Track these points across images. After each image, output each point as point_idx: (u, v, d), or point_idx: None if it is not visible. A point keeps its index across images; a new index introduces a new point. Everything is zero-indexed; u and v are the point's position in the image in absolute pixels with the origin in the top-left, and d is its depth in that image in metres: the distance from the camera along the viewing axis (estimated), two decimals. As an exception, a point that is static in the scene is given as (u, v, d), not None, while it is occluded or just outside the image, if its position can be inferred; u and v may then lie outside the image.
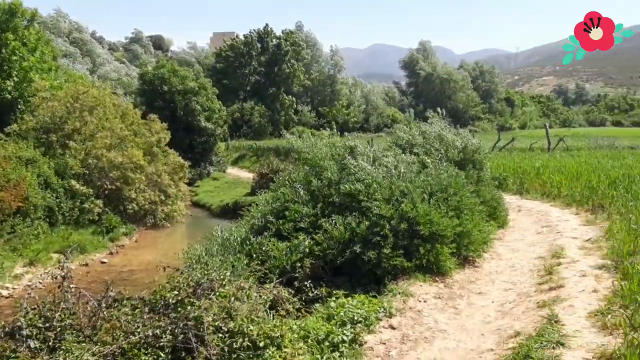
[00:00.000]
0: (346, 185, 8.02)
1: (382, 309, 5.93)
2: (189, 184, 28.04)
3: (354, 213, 7.59)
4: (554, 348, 4.62)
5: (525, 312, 5.89)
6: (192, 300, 5.41)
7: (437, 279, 7.34)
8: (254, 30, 70.59)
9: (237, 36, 75.01)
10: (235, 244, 7.79)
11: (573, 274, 6.80)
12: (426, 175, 8.93)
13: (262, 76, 68.58)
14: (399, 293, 6.47)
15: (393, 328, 5.62)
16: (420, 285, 6.91)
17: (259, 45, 69.84)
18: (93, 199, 18.36)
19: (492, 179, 13.60)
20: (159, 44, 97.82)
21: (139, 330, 5.03)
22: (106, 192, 19.45)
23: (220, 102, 39.33)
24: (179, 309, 5.34)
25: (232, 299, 5.49)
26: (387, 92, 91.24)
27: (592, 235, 8.92)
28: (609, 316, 5.08)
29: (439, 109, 13.36)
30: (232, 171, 38.72)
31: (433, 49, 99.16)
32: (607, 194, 11.53)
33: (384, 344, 5.30)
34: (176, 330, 5.03)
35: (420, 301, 6.44)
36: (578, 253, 7.90)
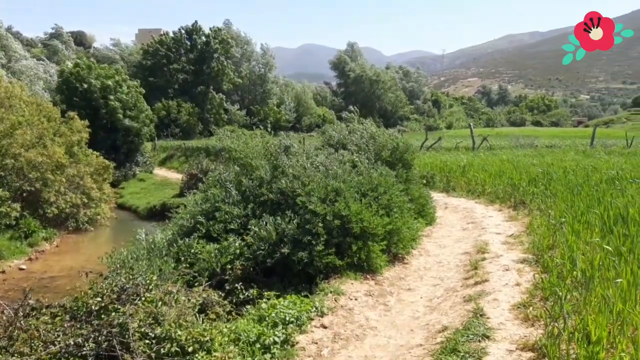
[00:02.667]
0: (282, 181, 7.95)
1: (314, 309, 5.92)
2: (113, 186, 27.04)
3: (286, 212, 7.53)
4: (479, 341, 4.76)
5: (452, 306, 6.04)
6: (116, 306, 5.21)
7: (368, 276, 7.41)
8: (183, 27, 69.07)
9: (165, 33, 73.15)
10: (163, 247, 7.55)
11: (497, 268, 7.05)
12: (358, 175, 9.00)
13: (191, 74, 67.28)
14: (331, 292, 6.48)
15: (325, 327, 5.61)
16: (352, 284, 6.96)
17: (187, 42, 68.47)
18: (10, 202, 17.32)
19: (420, 177, 13.93)
20: (80, 40, 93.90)
21: (59, 339, 4.78)
22: (24, 194, 18.40)
23: (146, 100, 38.20)
24: (103, 315, 5.14)
25: (159, 303, 5.33)
26: (318, 92, 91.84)
27: (515, 231, 9.30)
28: (531, 308, 5.30)
29: (355, 108, 13.56)
30: (160, 172, 37.69)
31: (361, 50, 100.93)
32: (527, 191, 12.06)
33: (316, 343, 5.29)
34: (100, 338, 4.83)
35: (351, 299, 6.48)
36: (501, 248, 8.20)
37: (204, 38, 68.40)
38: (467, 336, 4.86)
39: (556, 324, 4.37)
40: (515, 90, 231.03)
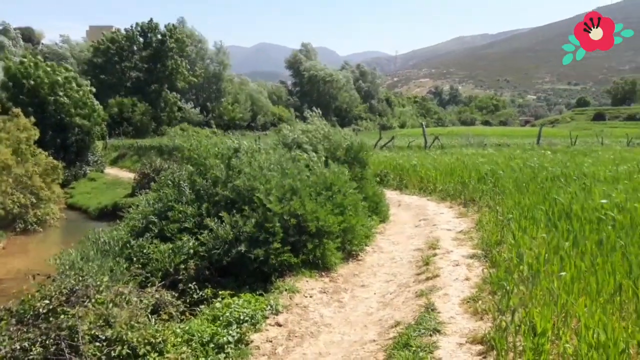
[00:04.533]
0: (239, 180, 7.89)
1: (269, 307, 5.92)
2: (63, 186, 26.22)
3: (243, 208, 7.48)
4: (431, 335, 4.87)
5: (405, 302, 6.15)
6: (65, 308, 5.09)
7: (323, 274, 7.46)
8: (138, 24, 67.49)
9: (117, 30, 71.34)
10: (115, 247, 7.39)
11: (448, 263, 7.21)
12: (312, 174, 9.04)
13: (144, 72, 65.87)
14: (286, 290, 6.50)
15: (280, 325, 5.62)
16: (307, 281, 6.99)
17: (141, 40, 66.99)
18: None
19: (374, 175, 14.09)
20: (28, 36, 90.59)
21: (4, 344, 4.65)
22: (-33, 196, 17.67)
23: (98, 98, 37.21)
24: (51, 318, 5.01)
25: (110, 305, 5.23)
26: (274, 91, 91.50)
27: (464, 227, 9.53)
28: (480, 302, 5.46)
29: (314, 108, 13.57)
30: (112, 171, 36.78)
31: (315, 50, 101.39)
32: (477, 188, 12.37)
33: (271, 341, 5.30)
34: (47, 342, 4.71)
35: (306, 297, 6.51)
36: (452, 244, 8.39)
37: (159, 36, 67.04)
38: (419, 331, 4.97)
39: (504, 317, 4.51)
40: (466, 91, 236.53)
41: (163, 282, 6.60)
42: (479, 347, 4.56)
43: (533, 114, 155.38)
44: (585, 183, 11.10)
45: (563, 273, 5.30)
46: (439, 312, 5.42)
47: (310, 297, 6.55)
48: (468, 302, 5.62)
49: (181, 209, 7.76)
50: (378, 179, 14.98)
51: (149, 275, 6.69)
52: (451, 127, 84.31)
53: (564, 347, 4.04)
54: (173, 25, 69.30)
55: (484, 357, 4.39)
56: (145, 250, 7.13)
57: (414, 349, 4.62)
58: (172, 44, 65.80)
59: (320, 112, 13.98)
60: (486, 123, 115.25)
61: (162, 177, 9.27)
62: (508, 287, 5.18)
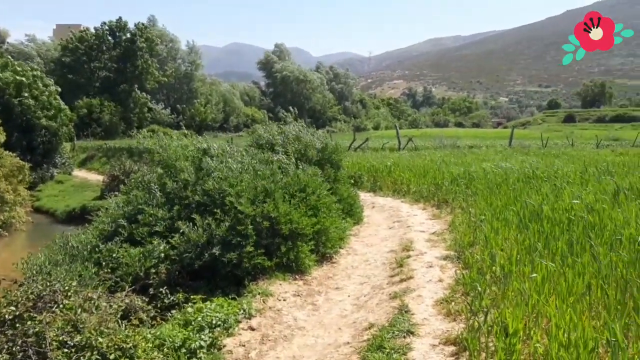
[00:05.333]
0: (209, 183, 7.80)
1: (242, 311, 5.86)
2: (29, 189, 25.62)
3: (215, 211, 7.39)
4: (404, 337, 4.87)
5: (379, 304, 6.14)
6: (32, 314, 4.95)
7: (296, 276, 7.42)
8: (106, 23, 66.50)
9: (86, 29, 70.18)
10: (83, 251, 7.22)
11: (421, 265, 7.23)
12: (287, 175, 8.99)
13: (114, 72, 64.99)
14: (259, 293, 6.44)
15: (253, 329, 5.57)
16: (280, 284, 6.94)
17: (110, 39, 66.01)
18: None
19: (348, 177, 14.09)
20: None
21: (-32, 352, 4.49)
22: None
23: (66, 98, 36.49)
24: (17, 325, 4.86)
25: (79, 310, 5.11)
26: (247, 92, 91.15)
27: (438, 229, 9.58)
28: (453, 303, 5.48)
29: (290, 109, 13.50)
30: (80, 173, 36.12)
31: (289, 50, 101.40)
32: (450, 189, 12.46)
33: (244, 345, 5.24)
34: (14, 349, 4.59)
35: (280, 300, 6.46)
36: (425, 245, 8.42)
37: (129, 35, 66.16)
38: (393, 332, 4.96)
39: (476, 318, 4.53)
40: (439, 93, 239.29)
41: (133, 287, 6.48)
42: (452, 348, 4.57)
43: (505, 115, 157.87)
44: (555, 184, 11.28)
45: (534, 274, 5.35)
46: (412, 314, 5.42)
47: (284, 300, 6.51)
48: (441, 303, 5.63)
49: (151, 212, 7.62)
50: (352, 180, 14.98)
51: (118, 279, 6.56)
52: (425, 129, 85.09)
53: (535, 347, 4.07)
54: (143, 24, 68.53)
55: (457, 358, 4.40)
56: (114, 255, 6.99)
57: (387, 350, 4.62)
58: (142, 43, 65.07)
59: (296, 112, 13.92)
60: (459, 125, 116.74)
61: (132, 180, 9.10)
62: (480, 288, 5.22)
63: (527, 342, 4.23)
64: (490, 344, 4.23)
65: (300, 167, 9.56)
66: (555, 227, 7.27)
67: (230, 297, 6.34)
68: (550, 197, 9.45)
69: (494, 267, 5.96)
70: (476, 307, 4.79)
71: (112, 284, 6.47)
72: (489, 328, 4.38)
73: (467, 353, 4.27)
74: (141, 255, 6.93)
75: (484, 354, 4.15)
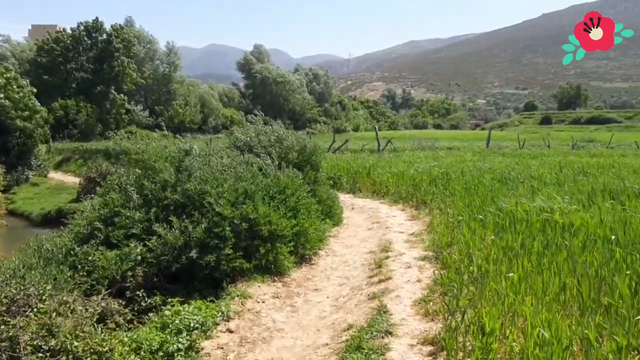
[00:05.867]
0: (189, 184, 7.73)
1: (220, 313, 5.82)
2: (4, 191, 25.18)
3: (193, 215, 7.33)
4: (383, 337, 4.89)
5: (357, 304, 6.16)
6: (5, 318, 4.85)
7: (275, 278, 7.39)
8: (82, 23, 65.62)
9: (63, 29, 69.16)
10: (58, 254, 7.11)
11: (400, 266, 7.27)
12: (265, 177, 8.96)
13: (90, 73, 64.13)
14: (237, 295, 6.40)
15: (231, 331, 5.53)
16: (259, 286, 6.91)
17: (87, 40, 65.15)
18: None
19: (328, 178, 14.11)
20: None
21: (-61, 357, 4.39)
22: None
23: (42, 99, 35.89)
24: (-10, 329, 4.76)
25: (54, 314, 5.03)
26: (226, 93, 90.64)
27: (416, 229, 9.64)
28: (431, 303, 5.52)
29: (258, 110, 13.47)
30: (56, 176, 35.53)
31: (268, 52, 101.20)
32: (428, 191, 12.56)
33: (222, 348, 5.20)
34: (-13, 354, 4.48)
35: (258, 302, 6.44)
36: (404, 246, 8.47)
37: (105, 36, 65.36)
38: (371, 333, 4.98)
39: (454, 318, 4.57)
40: (418, 95, 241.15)
41: (109, 290, 6.39)
42: (430, 348, 4.60)
43: (483, 117, 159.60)
44: (532, 186, 11.43)
45: (511, 274, 5.41)
46: (391, 314, 5.44)
47: (263, 302, 6.48)
48: (419, 303, 5.67)
49: (128, 214, 7.53)
50: (331, 182, 15.00)
51: (94, 283, 6.46)
52: (404, 131, 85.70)
53: (511, 346, 4.12)
54: (119, 24, 67.76)
55: (435, 358, 4.43)
56: (90, 258, 6.88)
57: (366, 351, 4.63)
58: (119, 44, 64.30)
59: (269, 115, 13.88)
60: (438, 126, 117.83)
61: (109, 182, 8.99)
62: (458, 288, 5.26)
63: (503, 341, 4.28)
64: (468, 344, 4.27)
65: (281, 168, 9.55)
66: (532, 227, 7.37)
67: (208, 299, 6.29)
68: (526, 198, 9.58)
69: (471, 267, 6.02)
70: (454, 307, 4.83)
71: (88, 287, 6.38)
72: (467, 328, 4.42)
73: (445, 353, 4.30)
74: (118, 258, 6.84)
75: (461, 354, 4.18)
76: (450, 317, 4.62)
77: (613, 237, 6.45)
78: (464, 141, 43.53)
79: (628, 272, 5.12)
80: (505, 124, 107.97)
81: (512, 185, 11.90)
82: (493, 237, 7.11)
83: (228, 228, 7.06)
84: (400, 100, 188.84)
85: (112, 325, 5.61)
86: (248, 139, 11.78)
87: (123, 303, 6.14)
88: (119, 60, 64.19)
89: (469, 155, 23.36)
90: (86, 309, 5.45)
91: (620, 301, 4.51)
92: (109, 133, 25.00)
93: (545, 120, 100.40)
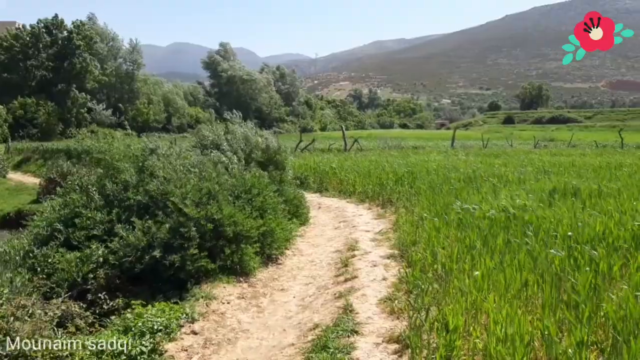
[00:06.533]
0: (152, 184, 7.59)
1: (185, 315, 5.73)
2: (-39, 192, 24.34)
3: (157, 215, 7.20)
4: (349, 336, 4.89)
5: (324, 304, 6.15)
6: (-41, 324, 4.69)
7: (241, 279, 7.32)
8: (42, 20, 63.95)
9: (22, 26, 67.27)
10: (15, 257, 6.90)
11: (366, 264, 7.29)
12: (231, 176, 8.88)
13: (51, 71, 62.55)
14: (202, 297, 6.32)
15: (195, 333, 5.45)
16: (224, 287, 6.84)
17: (47, 37, 63.52)
18: None
19: (295, 178, 14.08)
20: None
21: None
22: None
23: (-1, 98, 34.92)
24: (-57, 335, 4.59)
25: (11, 319, 4.87)
26: (191, 92, 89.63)
27: (382, 228, 9.70)
28: (396, 302, 5.55)
29: (235, 110, 13.31)
30: (15, 176, 34.50)
31: (234, 50, 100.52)
32: (394, 189, 12.65)
33: (186, 350, 5.12)
34: (-62, 361, 4.32)
35: (223, 303, 6.36)
36: (370, 245, 8.51)
37: (65, 33, 63.84)
38: (337, 332, 4.97)
39: (418, 316, 4.60)
40: (384, 94, 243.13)
41: (70, 293, 6.24)
42: (395, 346, 4.62)
43: (448, 117, 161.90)
44: (495, 184, 11.63)
45: (476, 273, 5.48)
46: (357, 313, 5.45)
47: (228, 303, 6.41)
48: (385, 302, 5.69)
49: (89, 215, 7.36)
50: (298, 181, 14.99)
51: (54, 286, 6.30)
52: (370, 130, 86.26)
53: (474, 343, 4.17)
54: (80, 21, 66.31)
55: (400, 356, 4.45)
56: (50, 260, 6.70)
57: (332, 350, 4.62)
58: (80, 41, 62.89)
59: (241, 115, 13.75)
60: (404, 126, 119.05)
61: (69, 182, 8.77)
62: (422, 286, 5.30)
63: (467, 338, 4.33)
64: (432, 341, 4.30)
65: (248, 168, 9.48)
66: (495, 225, 7.49)
67: (172, 301, 6.19)
68: (489, 196, 9.73)
69: (435, 265, 6.08)
70: (418, 305, 4.86)
71: (48, 290, 6.22)
72: (431, 325, 4.46)
73: (410, 350, 4.32)
74: (78, 260, 6.68)
75: (425, 351, 4.21)
76: (415, 315, 4.65)
77: (573, 234, 6.60)
78: (429, 140, 44.06)
79: (587, 268, 5.24)
80: (470, 124, 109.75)
81: (476, 183, 12.08)
82: (457, 235, 7.20)
83: (194, 228, 6.97)
84: (366, 100, 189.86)
85: (73, 329, 5.47)
86: (214, 137, 11.67)
87: (84, 306, 6.01)
88: (80, 58, 62.81)
89: (434, 155, 23.64)
90: (45, 313, 5.31)
91: (579, 297, 4.61)
92: (71, 132, 24.47)
93: (508, 120, 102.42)
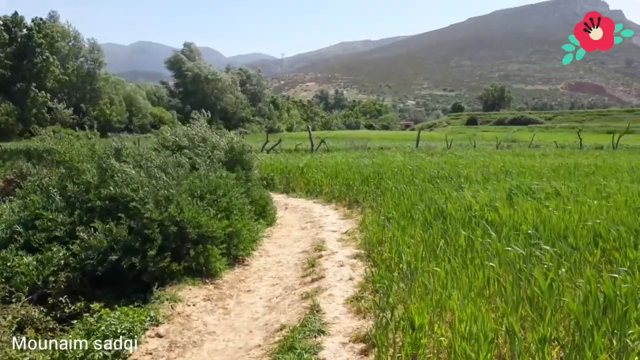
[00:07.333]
0: (110, 189, 7.44)
1: (149, 318, 5.64)
2: None
3: (119, 217, 7.07)
4: (315, 337, 4.90)
5: (290, 305, 6.14)
6: None
7: (207, 281, 7.25)
8: (0, 18, 62.10)
9: (-21, 24, 65.20)
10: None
11: (332, 264, 7.32)
12: (195, 177, 8.78)
13: (9, 69, 60.75)
14: (167, 299, 6.23)
15: (160, 336, 5.38)
16: (190, 289, 6.76)
17: (6, 35, 61.72)
18: None
19: (261, 179, 14.03)
20: None
21: None
22: None
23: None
24: None
25: (-33, 325, 4.73)
26: (154, 92, 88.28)
27: (349, 228, 9.74)
28: (362, 301, 5.59)
29: (204, 110, 13.17)
30: (-28, 177, 33.46)
31: (199, 50, 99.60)
32: (361, 190, 12.72)
33: (150, 354, 5.04)
34: None
35: (189, 305, 6.29)
36: (337, 245, 8.53)
37: (25, 31, 62.14)
38: (304, 333, 4.98)
39: (384, 315, 4.64)
40: (350, 95, 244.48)
41: (30, 297, 6.09)
42: (362, 345, 4.66)
43: (413, 118, 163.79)
44: (459, 184, 11.81)
45: (437, 269, 5.56)
46: (323, 313, 5.47)
47: (194, 305, 6.34)
48: (351, 301, 5.72)
49: (50, 217, 7.18)
50: (265, 182, 14.95)
51: (13, 289, 6.11)
52: (337, 131, 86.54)
53: (440, 340, 4.23)
54: (41, 19, 64.65)
55: (366, 355, 4.48)
56: (9, 263, 6.50)
57: (298, 351, 4.62)
58: (41, 40, 61.31)
59: (209, 114, 13.60)
60: (370, 127, 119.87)
61: (29, 183, 8.55)
62: (388, 285, 5.35)
63: (432, 336, 4.38)
64: (398, 339, 4.34)
65: (212, 168, 9.39)
66: (458, 224, 7.60)
67: (136, 304, 6.09)
68: (453, 196, 9.88)
69: (401, 264, 6.14)
70: (384, 304, 4.90)
71: (6, 294, 6.04)
72: (397, 324, 4.50)
73: (376, 349, 4.36)
74: (39, 262, 6.51)
75: (392, 350, 4.25)
76: (381, 314, 4.69)
77: (534, 232, 6.76)
78: (394, 141, 44.46)
79: (545, 265, 5.38)
80: (434, 125, 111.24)
81: (441, 183, 12.25)
82: (422, 234, 7.28)
83: (157, 230, 6.87)
84: (333, 101, 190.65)
85: (33, 334, 5.34)
86: (178, 138, 11.54)
87: (45, 310, 5.87)
88: (41, 57, 61.23)
89: (399, 155, 23.87)
90: (4, 317, 5.20)
91: (541, 293, 4.72)
92: (33, 130, 23.79)
93: (472, 121, 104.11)
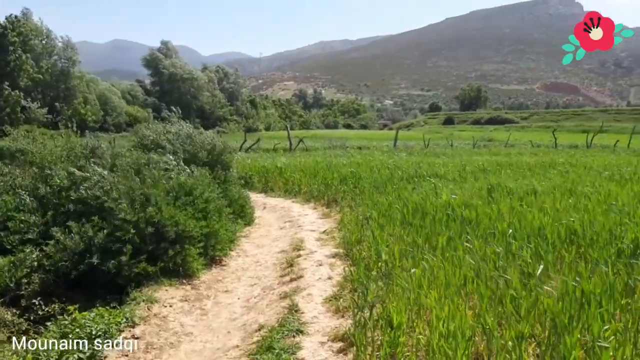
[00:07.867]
0: (81, 192, 7.30)
1: (125, 320, 5.55)
2: None
3: (93, 219, 6.94)
4: (294, 336, 4.88)
5: (269, 304, 6.11)
6: None
7: (184, 281, 7.18)
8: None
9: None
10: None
11: (311, 264, 7.30)
12: (173, 177, 8.68)
13: (-19, 68, 59.53)
14: (143, 300, 6.14)
15: (136, 338, 5.30)
16: (166, 290, 6.68)
17: (-22, 33, 60.49)
18: None
19: (239, 178, 13.94)
20: None
21: None
22: None
23: None
24: None
25: (-64, 329, 4.60)
26: (128, 91, 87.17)
27: (327, 227, 9.74)
28: (341, 300, 5.58)
29: (174, 108, 12.99)
30: (-57, 177, 32.71)
31: (176, 48, 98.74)
32: (339, 189, 12.73)
33: (126, 356, 4.97)
34: None
35: (166, 306, 6.21)
36: (315, 244, 8.52)
37: (-1, 29, 60.98)
38: (283, 332, 4.96)
39: (363, 313, 4.64)
40: (329, 95, 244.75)
41: (2, 299, 5.96)
42: (340, 344, 4.65)
43: (390, 118, 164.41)
44: (436, 183, 11.88)
45: (413, 270, 5.57)
46: (302, 313, 5.45)
47: (170, 306, 6.27)
48: (330, 300, 5.71)
49: (23, 218, 7.04)
50: (243, 181, 14.86)
51: (-16, 292, 5.99)
52: (315, 130, 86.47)
53: (418, 339, 4.25)
54: (16, 16, 63.45)
55: (345, 354, 4.48)
56: (-20, 266, 6.37)
57: (277, 351, 4.59)
58: (14, 38, 60.16)
59: (180, 112, 13.44)
60: (348, 126, 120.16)
61: (1, 183, 8.37)
62: (367, 284, 5.35)
63: (410, 334, 4.39)
64: (376, 338, 4.35)
65: (189, 168, 9.30)
66: (436, 223, 7.64)
67: (112, 306, 5.99)
68: (431, 195, 9.93)
69: (380, 263, 6.15)
70: (362, 303, 4.90)
71: (-22, 297, 5.91)
72: (375, 323, 4.50)
73: (354, 348, 4.35)
74: (11, 264, 6.37)
75: (370, 348, 4.25)
76: (359, 313, 4.69)
77: (511, 230, 6.82)
78: (372, 141, 44.58)
79: (521, 262, 5.43)
80: (412, 124, 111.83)
81: (419, 182, 12.32)
82: (400, 233, 7.31)
83: (133, 231, 6.76)
84: (311, 100, 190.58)
85: (5, 337, 5.23)
86: (155, 137, 11.40)
87: (18, 312, 5.76)
88: (14, 55, 60.08)
89: (377, 155, 23.96)
90: (-25, 322, 5.05)
91: (516, 291, 4.76)
92: (7, 130, 23.35)
93: (449, 121, 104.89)
